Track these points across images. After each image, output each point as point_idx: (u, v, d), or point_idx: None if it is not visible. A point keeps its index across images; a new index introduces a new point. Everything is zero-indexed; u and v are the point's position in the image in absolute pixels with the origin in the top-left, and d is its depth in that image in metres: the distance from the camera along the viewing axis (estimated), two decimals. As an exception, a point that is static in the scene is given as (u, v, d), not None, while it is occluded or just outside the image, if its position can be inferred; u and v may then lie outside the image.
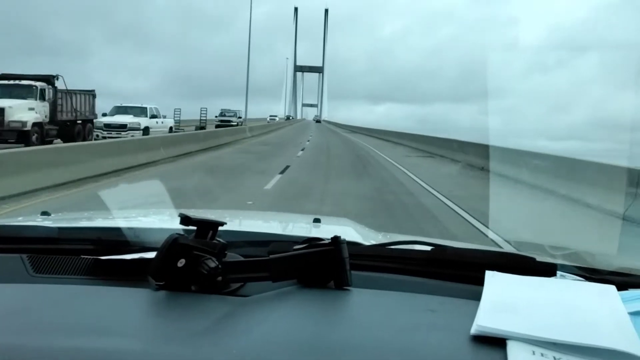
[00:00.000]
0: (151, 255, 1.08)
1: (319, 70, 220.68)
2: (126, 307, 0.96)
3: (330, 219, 2.53)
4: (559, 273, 1.11)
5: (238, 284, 1.03)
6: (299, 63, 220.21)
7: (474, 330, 0.81)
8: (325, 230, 1.89)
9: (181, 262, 0.98)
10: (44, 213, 1.85)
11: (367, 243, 1.50)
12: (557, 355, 0.74)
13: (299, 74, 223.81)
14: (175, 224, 1.38)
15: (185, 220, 1.04)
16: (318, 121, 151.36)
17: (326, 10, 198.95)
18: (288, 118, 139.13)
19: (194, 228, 1.06)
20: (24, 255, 1.22)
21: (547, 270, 1.10)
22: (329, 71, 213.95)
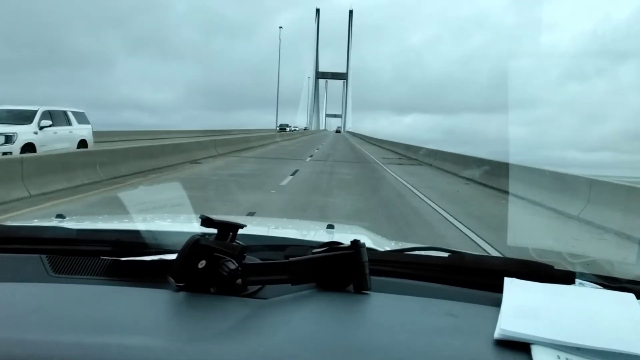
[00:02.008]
0: (170, 257, 1.09)
1: (343, 77, 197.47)
2: (147, 306, 0.97)
3: (343, 226, 2.54)
4: (577, 281, 1.11)
5: (256, 287, 1.04)
6: (322, 70, 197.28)
7: (497, 334, 0.81)
8: (340, 237, 1.90)
9: (202, 264, 0.99)
10: (59, 216, 1.87)
11: (381, 249, 1.50)
12: (582, 359, 0.74)
13: (322, 82, 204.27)
14: (192, 228, 1.39)
15: (206, 221, 1.05)
16: (338, 131, 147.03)
17: (350, 12, 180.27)
18: (282, 129, 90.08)
19: (213, 231, 1.07)
20: (43, 256, 1.22)
21: (565, 278, 1.09)
22: (354, 82, 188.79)
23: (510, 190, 11.24)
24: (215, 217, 1.07)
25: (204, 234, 1.05)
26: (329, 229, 2.03)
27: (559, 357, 0.74)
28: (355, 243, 1.03)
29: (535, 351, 0.76)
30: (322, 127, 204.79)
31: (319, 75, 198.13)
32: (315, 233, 2.08)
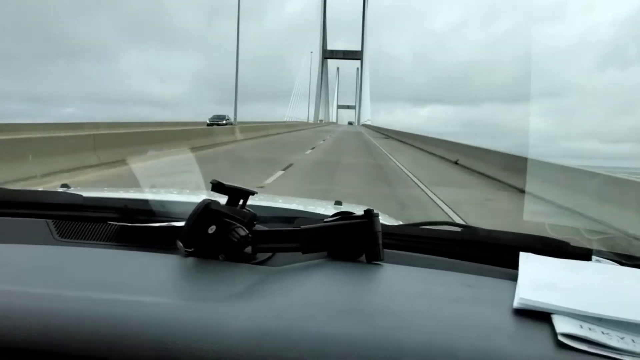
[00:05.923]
0: (179, 224, 1.07)
1: (357, 56, 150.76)
2: (156, 270, 0.95)
3: (351, 204, 2.53)
4: (594, 258, 1.08)
5: (266, 255, 1.02)
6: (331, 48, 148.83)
7: (517, 303, 0.79)
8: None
9: (212, 229, 0.97)
10: (64, 185, 1.85)
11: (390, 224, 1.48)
12: (605, 330, 0.71)
13: (333, 68, 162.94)
14: (200, 198, 1.37)
15: (217, 187, 1.03)
16: (350, 123, 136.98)
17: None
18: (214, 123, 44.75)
19: (224, 198, 1.05)
20: (49, 220, 1.21)
21: (582, 255, 1.07)
22: (370, 71, 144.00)
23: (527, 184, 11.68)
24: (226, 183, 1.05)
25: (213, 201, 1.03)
26: (337, 205, 2.02)
27: (581, 327, 0.72)
28: (368, 212, 1.01)
29: (557, 320, 0.74)
30: (332, 119, 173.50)
31: (327, 54, 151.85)
32: (323, 208, 2.07)
